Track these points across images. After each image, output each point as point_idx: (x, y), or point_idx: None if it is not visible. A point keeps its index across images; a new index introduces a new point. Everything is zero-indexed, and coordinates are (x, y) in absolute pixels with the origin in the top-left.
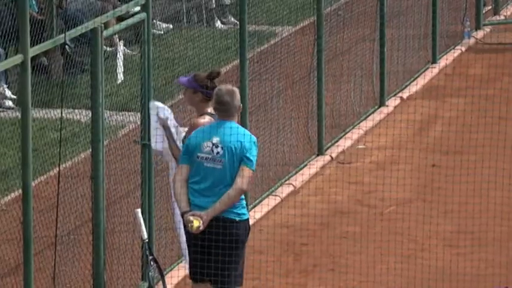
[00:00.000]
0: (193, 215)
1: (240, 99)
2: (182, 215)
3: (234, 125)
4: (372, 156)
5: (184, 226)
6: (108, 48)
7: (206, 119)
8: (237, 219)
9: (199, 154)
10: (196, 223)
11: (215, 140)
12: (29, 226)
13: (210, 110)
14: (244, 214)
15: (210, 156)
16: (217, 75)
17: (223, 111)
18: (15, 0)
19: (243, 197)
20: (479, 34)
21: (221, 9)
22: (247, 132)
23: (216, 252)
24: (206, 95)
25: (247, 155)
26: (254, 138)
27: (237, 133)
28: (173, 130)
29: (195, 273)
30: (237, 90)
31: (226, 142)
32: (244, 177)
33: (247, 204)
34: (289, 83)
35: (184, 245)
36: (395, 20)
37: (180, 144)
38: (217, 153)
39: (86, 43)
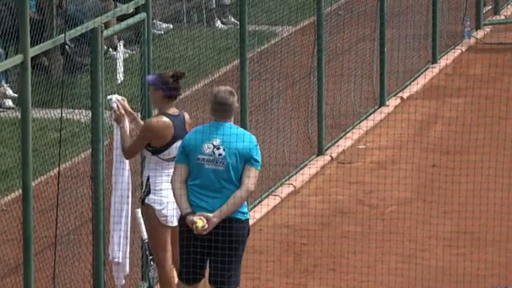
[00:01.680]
0: (196, 216)
1: (236, 99)
2: (184, 216)
3: (233, 126)
4: (373, 156)
5: (184, 226)
6: (112, 52)
7: (161, 119)
8: (243, 218)
9: (199, 156)
10: (201, 222)
11: (216, 141)
12: (29, 226)
13: (171, 111)
14: (247, 213)
15: (211, 158)
16: (182, 75)
17: (224, 111)
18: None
19: None
20: (480, 34)
21: (221, 9)
22: (247, 132)
23: (217, 253)
24: (166, 93)
25: (253, 156)
26: (255, 139)
27: (238, 134)
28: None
29: (187, 274)
30: (234, 93)
31: (228, 143)
32: (251, 178)
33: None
34: (289, 83)
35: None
36: (396, 20)
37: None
38: (220, 154)
39: (86, 43)
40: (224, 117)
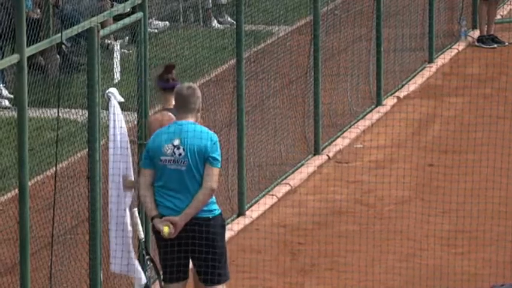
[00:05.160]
0: (161, 222)
1: (200, 98)
2: (151, 219)
3: (191, 124)
4: (370, 155)
5: (153, 228)
6: (108, 41)
7: (158, 115)
8: (210, 216)
9: (162, 157)
10: (167, 229)
11: (176, 142)
12: (26, 226)
13: (172, 105)
14: (215, 209)
15: (172, 159)
16: (171, 66)
17: (182, 108)
18: None
19: None
20: (476, 33)
21: (218, 9)
22: (205, 130)
23: (195, 253)
24: (161, 85)
25: (212, 154)
26: (215, 137)
27: (196, 131)
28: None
29: (166, 273)
30: (197, 88)
31: (188, 143)
32: (212, 177)
33: (243, 204)
34: (286, 83)
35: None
36: (392, 20)
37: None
38: (180, 154)
39: (83, 42)
40: (183, 114)
